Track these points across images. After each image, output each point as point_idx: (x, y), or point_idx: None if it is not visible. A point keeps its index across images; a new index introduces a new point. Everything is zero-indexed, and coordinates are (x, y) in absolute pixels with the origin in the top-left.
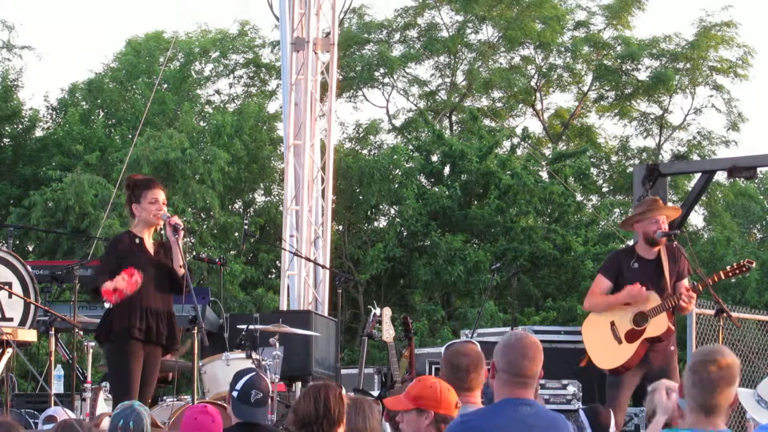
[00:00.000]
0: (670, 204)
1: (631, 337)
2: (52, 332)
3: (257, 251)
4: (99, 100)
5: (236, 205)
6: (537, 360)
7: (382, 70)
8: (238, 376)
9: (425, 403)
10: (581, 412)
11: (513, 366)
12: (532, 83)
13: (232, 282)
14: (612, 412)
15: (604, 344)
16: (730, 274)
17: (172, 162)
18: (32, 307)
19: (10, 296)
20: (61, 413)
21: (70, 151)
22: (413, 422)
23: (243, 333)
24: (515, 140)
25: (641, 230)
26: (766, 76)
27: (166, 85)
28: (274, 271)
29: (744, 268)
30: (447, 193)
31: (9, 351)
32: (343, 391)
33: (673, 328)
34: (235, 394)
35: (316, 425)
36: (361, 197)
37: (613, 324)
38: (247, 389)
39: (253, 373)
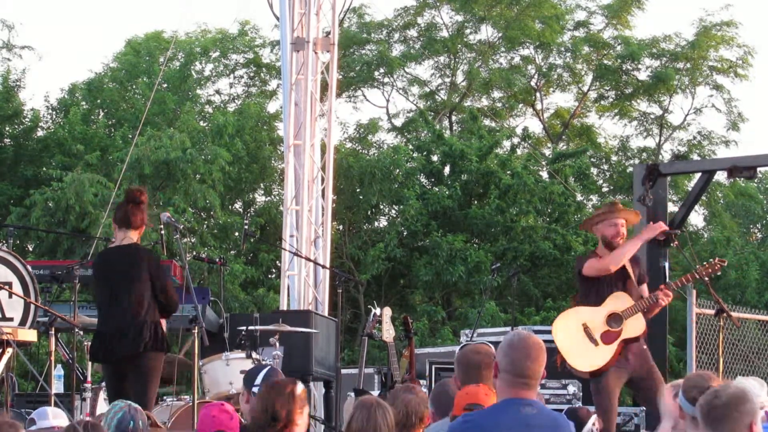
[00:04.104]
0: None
1: (607, 338)
2: (52, 332)
3: (257, 251)
4: (99, 100)
5: (237, 205)
6: (540, 360)
7: (381, 70)
8: (254, 372)
9: None
10: (564, 412)
11: (516, 366)
12: (532, 83)
13: (233, 282)
14: (596, 414)
15: (579, 347)
16: (704, 274)
17: (172, 162)
18: (32, 307)
19: (10, 296)
20: (45, 414)
21: (70, 151)
22: None
23: (243, 333)
24: (515, 140)
25: (600, 233)
26: (766, 76)
27: (166, 85)
28: (274, 271)
29: (716, 267)
30: (447, 193)
31: (9, 351)
32: (298, 388)
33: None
34: (255, 389)
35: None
36: (361, 197)
37: (585, 326)
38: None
39: (268, 367)
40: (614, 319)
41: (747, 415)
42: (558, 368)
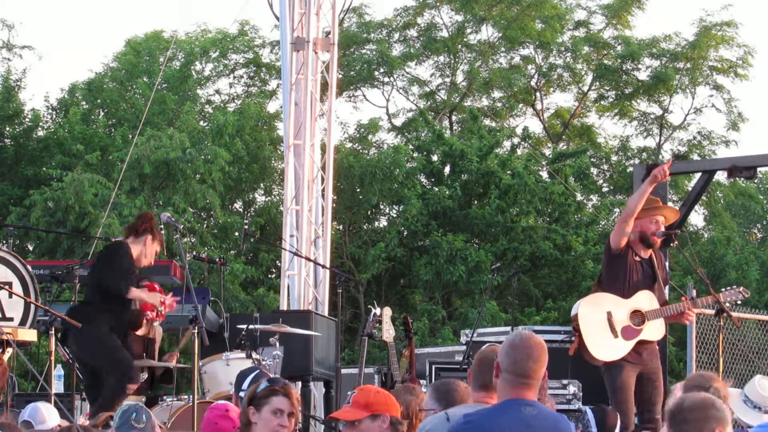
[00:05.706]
0: (670, 204)
1: (627, 334)
2: (52, 332)
3: (257, 251)
4: (99, 100)
5: (237, 205)
6: (541, 361)
7: (382, 70)
8: (243, 376)
9: (378, 408)
10: (588, 412)
11: (517, 366)
12: (532, 83)
13: (233, 282)
14: (618, 415)
15: (599, 334)
16: (730, 300)
17: (172, 162)
18: (32, 306)
19: (10, 296)
20: (39, 414)
21: (70, 151)
22: (369, 429)
23: (243, 333)
24: (515, 140)
25: (639, 228)
26: (766, 76)
27: (166, 85)
28: (274, 271)
29: (742, 295)
30: (447, 193)
31: (9, 351)
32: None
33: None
34: (242, 394)
35: None
36: (361, 197)
37: (610, 315)
38: None
39: (257, 371)
40: (638, 316)
41: (711, 420)
42: (570, 353)
